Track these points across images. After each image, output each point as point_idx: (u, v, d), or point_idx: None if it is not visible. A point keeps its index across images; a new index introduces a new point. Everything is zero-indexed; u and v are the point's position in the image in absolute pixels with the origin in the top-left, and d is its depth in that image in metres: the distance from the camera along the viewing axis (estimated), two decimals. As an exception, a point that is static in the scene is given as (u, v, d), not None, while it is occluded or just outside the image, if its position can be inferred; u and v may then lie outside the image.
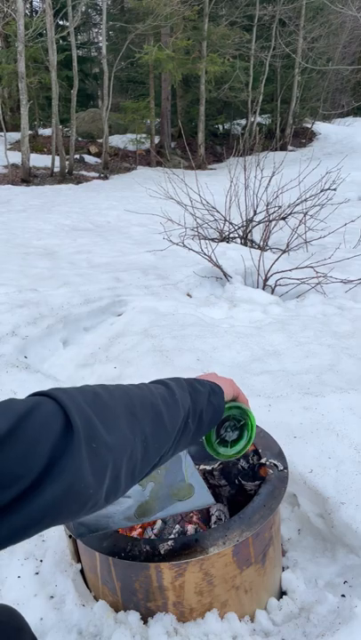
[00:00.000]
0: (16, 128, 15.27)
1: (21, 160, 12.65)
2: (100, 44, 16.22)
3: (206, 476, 1.46)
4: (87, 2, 16.49)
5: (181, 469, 1.29)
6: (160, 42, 15.40)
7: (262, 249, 4.55)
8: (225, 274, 3.90)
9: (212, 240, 4.72)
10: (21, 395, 2.11)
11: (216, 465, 1.46)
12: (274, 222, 4.47)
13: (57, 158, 13.76)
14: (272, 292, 3.74)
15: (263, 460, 1.37)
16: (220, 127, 21.76)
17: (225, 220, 4.91)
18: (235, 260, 4.10)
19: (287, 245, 4.32)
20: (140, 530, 1.40)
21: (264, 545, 1.25)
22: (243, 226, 4.97)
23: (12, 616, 0.94)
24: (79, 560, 1.38)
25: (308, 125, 21.10)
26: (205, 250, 3.97)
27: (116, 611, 1.25)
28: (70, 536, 1.34)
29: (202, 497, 1.22)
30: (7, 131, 14.77)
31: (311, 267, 3.67)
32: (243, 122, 20.42)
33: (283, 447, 1.44)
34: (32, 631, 0.95)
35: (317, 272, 3.63)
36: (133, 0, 14.93)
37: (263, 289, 3.77)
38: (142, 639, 1.18)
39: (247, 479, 1.39)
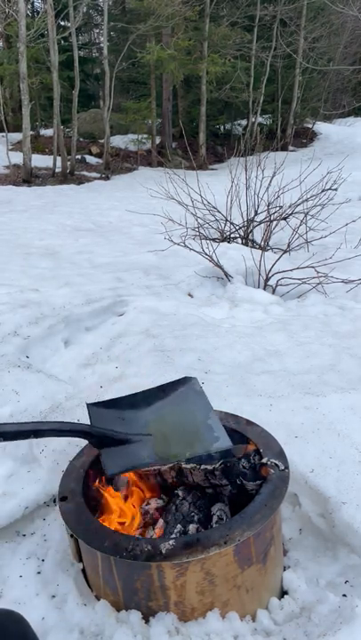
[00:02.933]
0: (18, 128, 15.27)
1: (23, 160, 12.66)
2: (102, 45, 16.22)
3: (207, 475, 1.46)
4: (88, 3, 16.51)
5: (203, 414, 1.33)
6: (161, 42, 15.39)
7: (263, 249, 4.55)
8: (226, 274, 3.90)
9: (214, 240, 4.72)
10: (22, 395, 2.12)
11: (217, 465, 1.46)
12: (275, 222, 4.46)
13: (58, 159, 13.76)
14: (273, 291, 3.74)
15: (264, 460, 1.37)
16: (222, 127, 21.76)
17: (226, 220, 4.91)
18: (236, 260, 4.10)
19: (288, 245, 4.32)
20: (141, 529, 1.40)
21: (265, 544, 1.25)
22: (244, 226, 4.97)
23: (16, 622, 0.93)
24: (81, 559, 1.38)
25: (309, 125, 21.09)
26: (206, 250, 3.97)
27: (118, 610, 1.25)
28: (72, 535, 1.34)
29: (221, 441, 1.26)
30: (9, 131, 14.79)
31: (312, 267, 3.67)
32: (244, 122, 20.40)
33: (284, 447, 1.44)
34: (36, 637, 0.94)
35: (318, 272, 3.63)
36: (135, 1, 14.93)
37: (264, 289, 3.77)
38: (144, 638, 1.18)
39: (248, 479, 1.39)
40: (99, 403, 1.41)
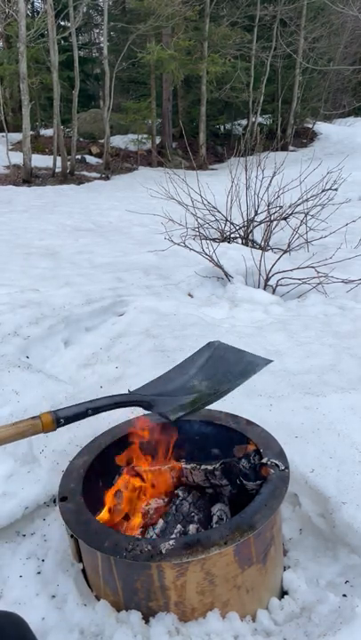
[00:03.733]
0: (18, 129, 15.27)
1: (23, 160, 12.66)
2: (102, 45, 16.22)
3: (208, 475, 1.46)
4: (88, 3, 16.50)
5: (235, 357, 1.45)
6: (161, 42, 15.39)
7: (263, 249, 4.55)
8: (226, 274, 3.90)
9: (214, 240, 4.72)
10: (22, 395, 2.12)
11: (217, 465, 1.46)
12: (275, 222, 4.46)
13: (58, 159, 13.77)
14: (273, 291, 3.74)
15: (264, 460, 1.37)
16: (222, 127, 21.76)
17: (226, 220, 4.91)
18: (236, 260, 4.10)
19: (288, 245, 4.32)
20: (141, 529, 1.40)
21: (265, 545, 1.25)
22: (244, 226, 4.97)
23: (15, 624, 0.93)
24: (81, 560, 1.38)
25: (310, 125, 21.09)
26: (207, 250, 3.97)
27: (118, 610, 1.25)
28: (72, 535, 1.34)
29: (260, 362, 1.38)
30: (9, 131, 14.79)
31: (312, 267, 3.67)
32: (244, 122, 20.40)
33: (284, 447, 1.44)
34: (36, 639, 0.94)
35: (318, 272, 3.63)
36: (135, 1, 14.93)
37: (264, 289, 3.77)
38: (144, 639, 1.18)
39: (248, 479, 1.39)
40: (141, 387, 1.45)
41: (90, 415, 1.23)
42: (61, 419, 1.18)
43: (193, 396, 1.29)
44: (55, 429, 1.18)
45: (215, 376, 1.34)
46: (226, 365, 1.37)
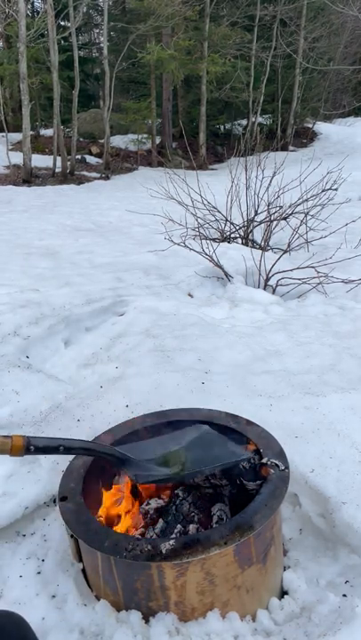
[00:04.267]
0: (18, 129, 15.27)
1: (23, 160, 12.66)
2: (102, 45, 16.21)
3: (207, 475, 1.46)
4: (88, 3, 16.50)
5: (219, 442, 1.44)
6: (161, 42, 15.39)
7: (263, 249, 4.55)
8: (226, 274, 3.90)
9: (214, 240, 4.72)
10: (22, 395, 2.12)
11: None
12: (275, 222, 4.46)
13: (58, 159, 13.76)
14: (273, 291, 3.74)
15: (264, 460, 1.37)
16: (222, 127, 21.75)
17: (226, 220, 4.91)
18: (236, 260, 4.10)
19: (288, 245, 4.32)
20: (141, 530, 1.40)
21: (265, 544, 1.25)
22: (244, 226, 4.97)
23: (16, 624, 0.93)
24: (81, 559, 1.38)
25: (310, 125, 21.08)
26: (207, 250, 3.97)
27: (118, 610, 1.25)
28: (72, 535, 1.34)
29: (238, 454, 1.39)
30: (9, 131, 14.79)
31: (312, 267, 3.67)
32: (244, 122, 20.40)
33: (284, 447, 1.44)
34: (37, 639, 0.94)
35: (318, 272, 3.63)
36: (135, 1, 14.92)
37: (264, 289, 3.77)
38: (144, 639, 1.18)
39: (248, 479, 1.39)
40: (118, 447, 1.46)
41: (61, 453, 1.20)
42: (32, 446, 1.14)
43: (166, 470, 1.32)
44: (23, 456, 1.15)
45: (194, 457, 1.36)
46: (207, 450, 1.40)
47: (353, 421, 1.81)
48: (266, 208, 4.45)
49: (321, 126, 21.13)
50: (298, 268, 3.75)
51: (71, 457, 1.52)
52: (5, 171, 13.48)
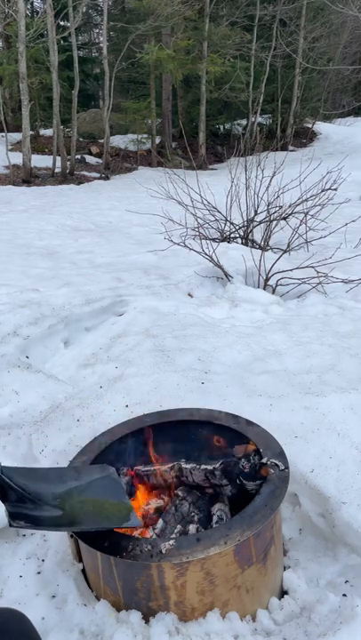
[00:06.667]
0: (17, 129, 15.28)
1: (23, 160, 12.66)
2: (101, 45, 16.25)
3: (207, 475, 1.46)
4: (88, 2, 16.50)
5: (119, 492, 1.32)
6: (161, 42, 15.38)
7: (263, 249, 4.55)
8: (226, 274, 3.90)
9: (213, 240, 4.72)
10: (22, 395, 2.12)
11: (218, 465, 1.46)
12: (275, 222, 4.46)
13: (58, 159, 13.76)
14: (273, 291, 3.74)
15: (264, 460, 1.38)
16: (221, 127, 21.75)
17: (226, 220, 4.91)
18: (236, 259, 4.10)
19: (288, 245, 4.32)
20: (142, 530, 1.40)
21: (265, 544, 1.25)
22: (244, 226, 4.97)
23: (19, 621, 0.93)
24: (81, 560, 1.38)
25: (309, 125, 21.08)
26: (206, 250, 3.97)
27: (118, 610, 1.25)
28: (72, 535, 1.34)
29: (131, 520, 1.25)
30: (9, 131, 14.77)
31: (312, 267, 3.67)
32: (243, 122, 20.40)
33: (284, 447, 1.44)
34: (39, 636, 0.94)
35: (318, 272, 3.63)
36: (134, 0, 14.92)
37: (264, 289, 3.77)
38: (144, 638, 1.18)
39: (248, 479, 1.39)
40: (13, 468, 1.33)
41: None
42: None
43: (48, 512, 1.19)
44: None
45: (85, 504, 1.25)
46: (102, 500, 1.28)
47: (353, 421, 1.81)
48: (266, 208, 4.45)
49: (321, 126, 21.13)
50: (298, 268, 3.75)
51: (71, 457, 1.52)
52: (5, 171, 13.48)
